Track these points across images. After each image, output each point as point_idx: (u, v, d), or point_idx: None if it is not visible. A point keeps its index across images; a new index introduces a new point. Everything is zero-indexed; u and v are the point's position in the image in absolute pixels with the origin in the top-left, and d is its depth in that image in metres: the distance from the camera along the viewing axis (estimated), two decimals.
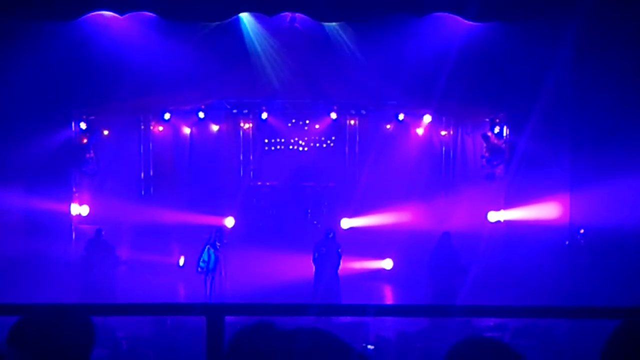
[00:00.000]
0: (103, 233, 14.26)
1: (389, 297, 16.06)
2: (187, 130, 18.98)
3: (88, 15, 14.21)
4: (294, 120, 18.98)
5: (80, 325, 2.75)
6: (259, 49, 15.74)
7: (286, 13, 14.96)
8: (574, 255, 14.91)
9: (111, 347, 9.31)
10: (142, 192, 18.86)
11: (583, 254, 14.74)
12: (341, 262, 14.11)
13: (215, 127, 19.03)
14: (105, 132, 17.01)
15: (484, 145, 16.46)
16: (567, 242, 15.22)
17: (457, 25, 14.62)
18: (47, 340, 2.65)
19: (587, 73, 14.64)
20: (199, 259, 13.84)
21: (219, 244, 14.12)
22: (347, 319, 11.25)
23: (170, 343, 10.19)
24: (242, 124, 19.19)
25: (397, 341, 10.23)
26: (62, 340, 2.68)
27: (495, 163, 16.21)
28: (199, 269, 13.89)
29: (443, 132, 18.52)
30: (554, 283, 14.16)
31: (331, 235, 14.10)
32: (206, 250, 13.87)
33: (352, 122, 18.93)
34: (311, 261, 14.09)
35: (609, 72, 14.23)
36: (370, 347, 9.95)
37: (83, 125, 16.24)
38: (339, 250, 14.00)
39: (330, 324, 10.73)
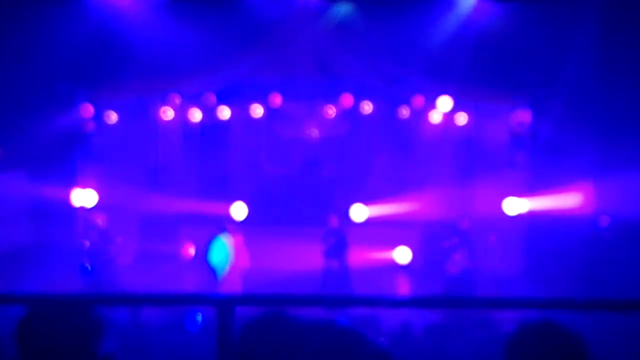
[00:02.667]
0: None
1: (403, 288, 15.94)
2: (196, 115, 18.66)
3: None
4: (306, 105, 18.64)
5: (89, 315, 2.75)
6: (270, 31, 15.41)
7: None
8: (596, 244, 14.62)
9: (120, 338, 9.15)
10: (150, 179, 18.60)
11: (606, 244, 14.46)
12: (350, 252, 13.93)
13: (225, 112, 18.70)
14: (113, 117, 16.70)
15: (505, 131, 16.07)
16: (590, 231, 14.93)
17: (477, 6, 14.33)
18: (56, 332, 2.64)
19: (613, 56, 14.28)
20: (211, 249, 13.66)
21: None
22: (360, 311, 11.06)
23: (180, 334, 10.05)
24: (254, 109, 18.84)
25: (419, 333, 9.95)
26: (70, 331, 2.67)
27: (516, 150, 15.86)
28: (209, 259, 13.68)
29: (462, 118, 18.08)
30: (576, 274, 13.89)
31: (339, 224, 13.81)
32: (218, 240, 13.67)
33: (367, 106, 18.54)
34: (321, 251, 13.92)
35: (636, 55, 13.88)
36: (382, 339, 9.70)
37: (89, 110, 15.91)
38: (347, 239, 13.76)
39: (342, 315, 10.52)
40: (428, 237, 16.24)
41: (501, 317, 9.86)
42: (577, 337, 2.70)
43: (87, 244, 13.37)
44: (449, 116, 17.97)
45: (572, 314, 9.47)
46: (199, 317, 11.17)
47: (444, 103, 17.20)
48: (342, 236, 13.88)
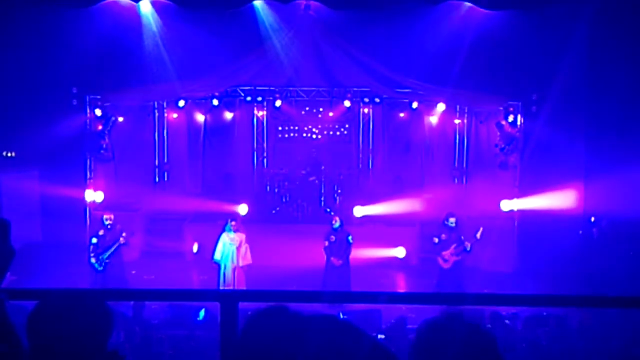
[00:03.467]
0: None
1: (401, 285, 16.07)
2: (201, 118, 19.04)
3: (104, 2, 14.30)
4: (307, 108, 18.98)
5: (98, 310, 2.74)
6: (273, 36, 15.75)
7: (300, 1, 14.96)
8: (587, 244, 14.89)
9: (125, 332, 9.41)
10: (157, 179, 18.99)
11: (596, 243, 14.72)
12: (352, 250, 14.09)
13: (229, 115, 19.08)
14: (120, 119, 17.08)
15: (498, 133, 16.39)
16: (580, 231, 15.22)
17: (471, 13, 14.57)
18: (65, 326, 2.64)
19: (602, 60, 14.56)
20: (215, 246, 13.85)
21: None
22: (360, 307, 11.34)
23: (185, 329, 10.26)
24: (256, 112, 19.23)
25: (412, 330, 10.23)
26: (80, 326, 2.66)
27: (509, 151, 16.15)
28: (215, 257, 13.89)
29: (457, 121, 18.48)
30: (567, 272, 14.13)
31: (338, 224, 14.10)
32: (222, 237, 13.87)
33: (366, 110, 18.93)
34: (322, 249, 14.12)
35: (624, 59, 14.16)
36: (381, 336, 9.99)
37: (98, 112, 16.30)
38: (349, 238, 14.01)
39: (343, 312, 10.81)
40: (425, 236, 16.40)
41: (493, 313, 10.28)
42: (482, 327, 2.55)
43: (95, 240, 13.44)
44: (444, 119, 18.38)
45: (563, 310, 9.86)
46: (202, 312, 11.43)
47: (440, 106, 17.63)
48: (344, 235, 14.05)
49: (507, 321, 10.43)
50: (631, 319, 9.14)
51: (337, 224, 14.07)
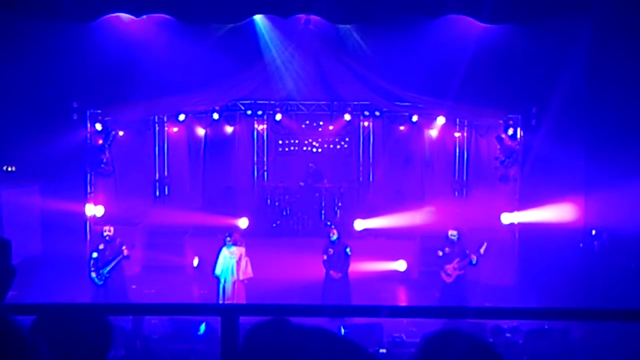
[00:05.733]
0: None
1: (402, 299, 16.05)
2: (201, 132, 19.08)
3: (105, 17, 14.35)
4: (307, 122, 19.05)
5: (98, 325, 2.73)
6: (273, 50, 15.80)
7: (300, 15, 15.01)
8: (588, 257, 14.86)
9: (126, 347, 9.40)
10: (157, 193, 19.00)
11: (597, 256, 14.69)
12: (350, 263, 14.06)
13: (229, 128, 19.12)
14: (121, 133, 17.11)
15: (498, 146, 16.41)
16: (581, 245, 15.18)
17: (471, 27, 14.60)
18: (65, 341, 2.62)
19: (601, 74, 14.57)
20: (216, 261, 13.83)
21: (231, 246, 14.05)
22: (361, 321, 11.32)
23: (186, 343, 10.28)
24: (256, 125, 19.28)
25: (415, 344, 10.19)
26: (80, 340, 2.66)
27: (509, 164, 16.17)
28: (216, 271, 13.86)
29: (457, 134, 18.52)
30: (568, 285, 14.10)
31: (336, 236, 14.06)
32: (222, 251, 13.85)
33: (366, 123, 18.98)
34: (322, 262, 14.08)
35: (624, 73, 14.17)
36: (382, 350, 9.97)
37: (98, 126, 16.31)
38: (347, 250, 13.97)
39: (344, 326, 10.80)
40: (425, 249, 16.38)
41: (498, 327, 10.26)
42: (482, 342, 2.53)
43: (96, 255, 13.42)
44: (444, 132, 18.41)
45: (565, 323, 9.83)
46: (203, 327, 11.40)
47: (440, 119, 17.66)
48: (342, 247, 14.01)
49: (508, 334, 10.41)
50: (633, 332, 9.11)
51: (334, 237, 14.05)
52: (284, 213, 18.29)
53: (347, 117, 17.95)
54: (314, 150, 19.21)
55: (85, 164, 16.44)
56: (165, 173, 19.10)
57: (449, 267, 13.54)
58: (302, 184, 18.39)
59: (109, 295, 13.33)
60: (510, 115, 16.07)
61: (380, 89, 16.21)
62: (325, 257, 14.01)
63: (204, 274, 15.25)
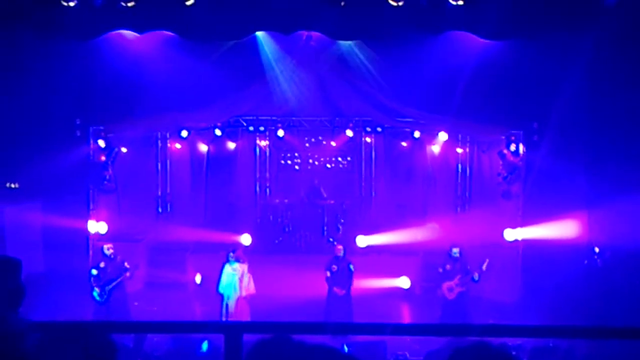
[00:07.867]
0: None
1: (405, 315, 15.98)
2: (204, 148, 19.10)
3: (108, 34, 14.41)
4: (310, 138, 19.07)
5: (101, 342, 2.74)
6: (275, 67, 15.85)
7: (302, 32, 15.07)
8: (591, 274, 14.79)
9: None
10: (160, 210, 18.99)
11: (601, 273, 14.62)
12: (353, 280, 14.01)
13: (231, 145, 19.15)
14: (124, 150, 17.13)
15: (500, 162, 16.40)
16: (585, 262, 15.11)
17: (472, 44, 14.64)
18: (68, 358, 2.65)
19: (603, 90, 14.60)
20: (219, 278, 13.78)
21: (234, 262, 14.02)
22: (365, 339, 11.25)
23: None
24: (258, 141, 19.31)
25: None
26: (83, 358, 2.67)
27: (511, 180, 16.14)
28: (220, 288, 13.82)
29: (459, 150, 18.51)
30: (572, 302, 14.03)
31: (342, 253, 14.02)
32: (225, 268, 13.81)
33: (368, 139, 19.00)
34: (324, 280, 14.06)
35: (625, 89, 14.19)
36: None
37: (101, 143, 16.34)
38: (350, 266, 13.94)
39: (347, 344, 10.73)
40: (428, 265, 16.33)
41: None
42: (511, 356, 2.62)
43: (95, 272, 13.40)
44: (446, 148, 18.41)
45: (569, 341, 9.76)
46: (205, 344, 11.32)
47: (442, 135, 17.67)
48: (345, 264, 13.97)
49: (512, 352, 10.33)
50: (637, 350, 9.03)
51: (341, 253, 14.02)
52: (286, 230, 18.26)
53: (349, 133, 17.97)
54: (317, 163, 19.20)
55: (88, 180, 16.43)
56: (168, 189, 19.10)
57: (449, 284, 13.49)
58: (303, 196, 18.37)
59: (111, 313, 13.31)
60: (512, 131, 16.07)
61: (382, 105, 16.21)
62: (328, 273, 13.97)
63: (206, 291, 15.20)
